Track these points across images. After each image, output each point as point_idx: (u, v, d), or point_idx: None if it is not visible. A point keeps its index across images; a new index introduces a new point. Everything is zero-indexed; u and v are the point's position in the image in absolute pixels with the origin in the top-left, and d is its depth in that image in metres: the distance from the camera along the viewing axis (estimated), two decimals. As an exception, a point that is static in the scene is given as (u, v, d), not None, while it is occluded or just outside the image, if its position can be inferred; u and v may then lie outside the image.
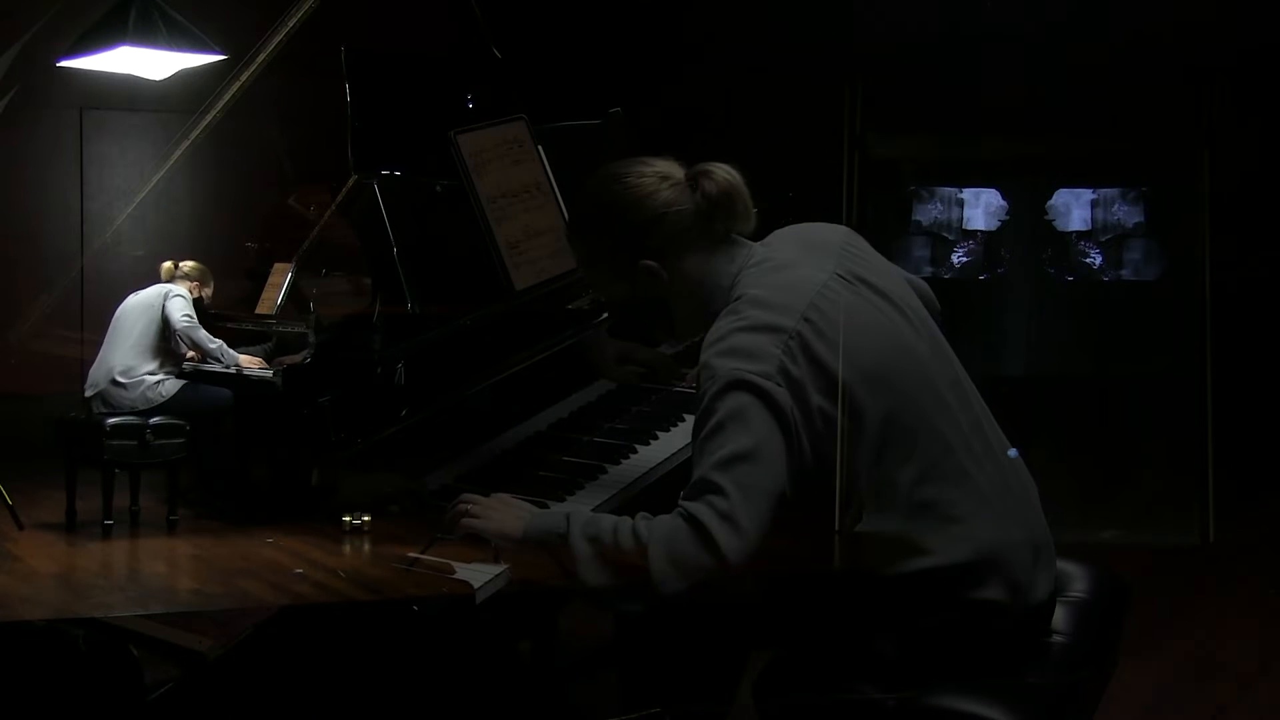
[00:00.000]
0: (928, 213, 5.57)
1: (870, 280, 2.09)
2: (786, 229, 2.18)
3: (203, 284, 2.59)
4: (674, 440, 2.50)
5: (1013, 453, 2.09)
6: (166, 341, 2.48)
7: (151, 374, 2.36)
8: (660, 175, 2.10)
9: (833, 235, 2.15)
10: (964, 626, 2.03)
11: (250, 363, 2.49)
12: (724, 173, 2.09)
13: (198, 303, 2.55)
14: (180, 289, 2.52)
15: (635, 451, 2.44)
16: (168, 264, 2.56)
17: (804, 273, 2.05)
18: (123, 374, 2.36)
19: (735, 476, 1.90)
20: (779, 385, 1.93)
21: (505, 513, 2.04)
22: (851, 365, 1.97)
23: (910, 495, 1.99)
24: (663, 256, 2.08)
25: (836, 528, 2.05)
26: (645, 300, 2.12)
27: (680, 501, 1.93)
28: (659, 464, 2.41)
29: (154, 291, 2.50)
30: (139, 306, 2.47)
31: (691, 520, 1.90)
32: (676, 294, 2.11)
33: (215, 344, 2.50)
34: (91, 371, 2.38)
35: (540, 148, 2.66)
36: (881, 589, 2.04)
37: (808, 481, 1.97)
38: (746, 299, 2.03)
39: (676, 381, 2.71)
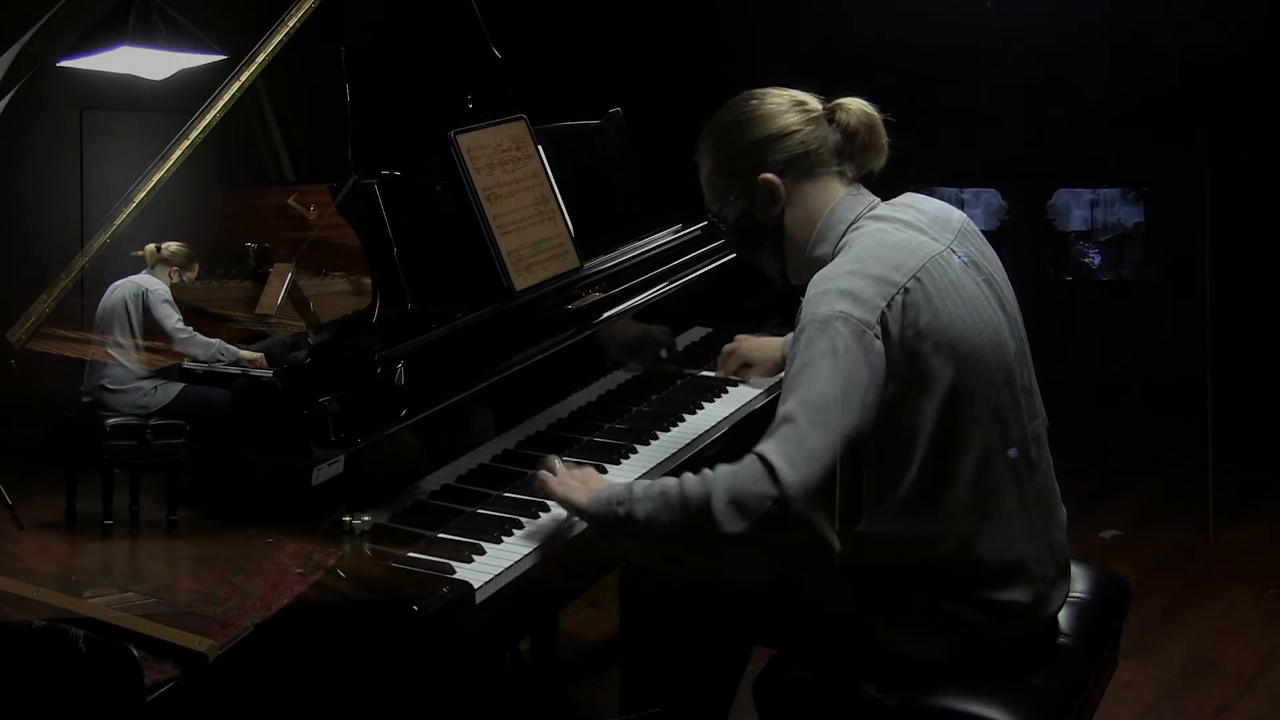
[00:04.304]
0: (928, 213, 5.55)
1: (983, 265, 2.10)
2: (912, 195, 2.18)
3: (184, 268, 2.54)
4: (674, 441, 2.50)
5: (1012, 452, 2.10)
6: (152, 340, 2.44)
7: (145, 380, 2.34)
8: (795, 101, 2.12)
9: (954, 214, 2.16)
10: (983, 625, 2.03)
11: (251, 358, 2.47)
12: (859, 105, 2.12)
13: (178, 287, 2.52)
14: (160, 285, 2.47)
15: (635, 451, 2.44)
16: (150, 247, 2.51)
17: (924, 238, 2.06)
18: (113, 382, 2.34)
19: (812, 413, 1.89)
20: (876, 336, 1.93)
21: (578, 483, 2.09)
22: (946, 339, 1.97)
23: (957, 484, 2.00)
24: (784, 174, 2.10)
25: (836, 527, 2.05)
26: (760, 225, 2.13)
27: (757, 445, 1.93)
28: (659, 464, 2.41)
29: (131, 289, 2.45)
30: (117, 309, 2.44)
31: (759, 456, 1.89)
32: (793, 222, 2.12)
33: (214, 345, 2.48)
34: (85, 376, 2.37)
35: (540, 148, 2.66)
36: (901, 579, 2.04)
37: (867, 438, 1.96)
38: (863, 244, 2.04)
39: (692, 371, 2.72)
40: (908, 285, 1.97)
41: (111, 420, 2.20)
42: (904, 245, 2.03)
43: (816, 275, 2.03)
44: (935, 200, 2.19)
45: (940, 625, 2.03)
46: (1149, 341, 5.60)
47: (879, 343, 1.93)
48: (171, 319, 2.42)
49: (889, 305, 1.95)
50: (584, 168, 2.83)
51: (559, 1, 5.26)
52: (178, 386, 2.34)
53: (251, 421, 2.14)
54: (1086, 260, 5.75)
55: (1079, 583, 2.30)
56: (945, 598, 2.03)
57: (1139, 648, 3.42)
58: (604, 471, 2.35)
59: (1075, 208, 5.72)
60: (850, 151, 2.12)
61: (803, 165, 2.10)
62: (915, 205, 2.14)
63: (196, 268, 2.58)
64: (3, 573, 2.00)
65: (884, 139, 2.13)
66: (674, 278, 2.80)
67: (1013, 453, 2.06)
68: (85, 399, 2.29)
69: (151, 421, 2.19)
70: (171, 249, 2.52)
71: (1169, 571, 4.00)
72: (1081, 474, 4.61)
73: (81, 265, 2.33)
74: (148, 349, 2.39)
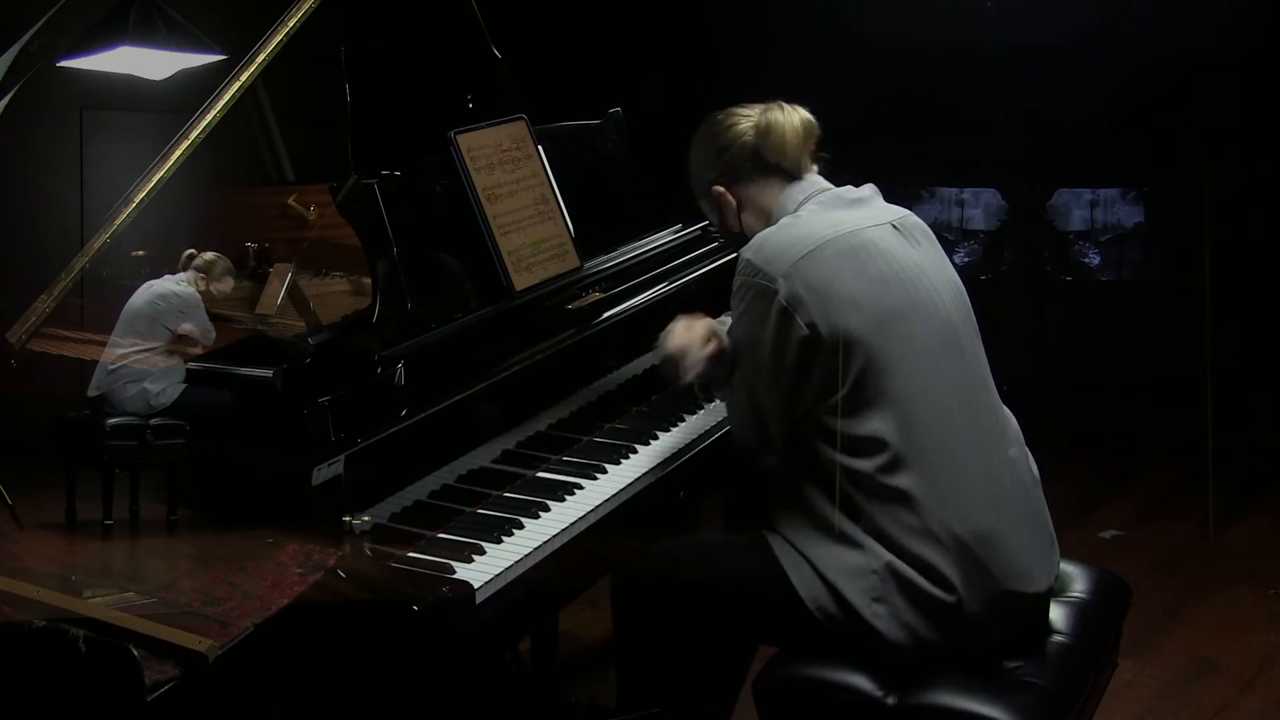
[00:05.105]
0: (927, 213, 5.57)
1: (921, 243, 2.25)
2: (871, 188, 2.34)
3: (213, 278, 2.52)
4: (674, 440, 2.50)
5: (970, 416, 2.12)
6: (168, 345, 2.43)
7: (154, 383, 2.34)
8: (744, 113, 2.34)
9: (902, 210, 2.32)
10: (967, 600, 2.04)
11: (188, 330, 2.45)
12: (775, 111, 2.32)
13: (205, 295, 2.50)
14: (193, 292, 2.46)
15: (635, 451, 2.44)
16: (187, 253, 2.50)
17: (857, 214, 2.23)
18: (128, 381, 2.34)
19: (735, 380, 2.23)
20: (778, 292, 2.11)
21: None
22: (868, 301, 2.10)
23: (915, 444, 2.07)
24: (730, 185, 2.34)
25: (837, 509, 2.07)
26: (727, 225, 2.37)
27: None
28: (659, 464, 2.41)
29: (168, 294, 2.44)
30: (142, 309, 2.43)
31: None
32: (749, 224, 2.33)
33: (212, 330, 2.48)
34: (96, 372, 2.36)
35: (540, 148, 2.66)
36: (878, 556, 2.07)
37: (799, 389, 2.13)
38: (800, 213, 2.24)
39: None
40: (826, 242, 2.13)
41: (111, 420, 2.20)
42: (832, 219, 2.20)
43: (745, 248, 2.22)
44: (878, 198, 2.32)
45: (924, 603, 2.04)
46: (1149, 341, 5.60)
47: (781, 301, 2.10)
48: (206, 323, 2.42)
49: (802, 257, 2.11)
50: (584, 168, 2.83)
51: (560, 1, 5.27)
52: (180, 388, 2.34)
53: (251, 421, 2.13)
54: (1086, 260, 5.75)
55: (1079, 583, 2.30)
56: (924, 573, 2.03)
57: (1139, 648, 3.42)
58: (604, 472, 2.35)
59: (1075, 208, 5.72)
60: (763, 152, 2.29)
61: (740, 172, 2.32)
62: (863, 195, 2.29)
63: (230, 281, 2.55)
64: (3, 573, 2.00)
65: (792, 144, 2.29)
66: (674, 278, 2.80)
67: (972, 418, 2.11)
68: (93, 393, 2.29)
69: (151, 421, 2.19)
70: (206, 257, 2.50)
71: (1169, 571, 4.00)
72: (1081, 474, 4.62)
73: (81, 265, 2.33)
74: (167, 351, 2.38)
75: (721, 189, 2.34)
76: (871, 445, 2.07)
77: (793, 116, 2.31)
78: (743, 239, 2.30)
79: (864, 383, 2.07)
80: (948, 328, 2.15)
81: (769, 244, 2.18)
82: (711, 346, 2.31)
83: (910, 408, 2.07)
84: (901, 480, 2.05)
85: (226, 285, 2.53)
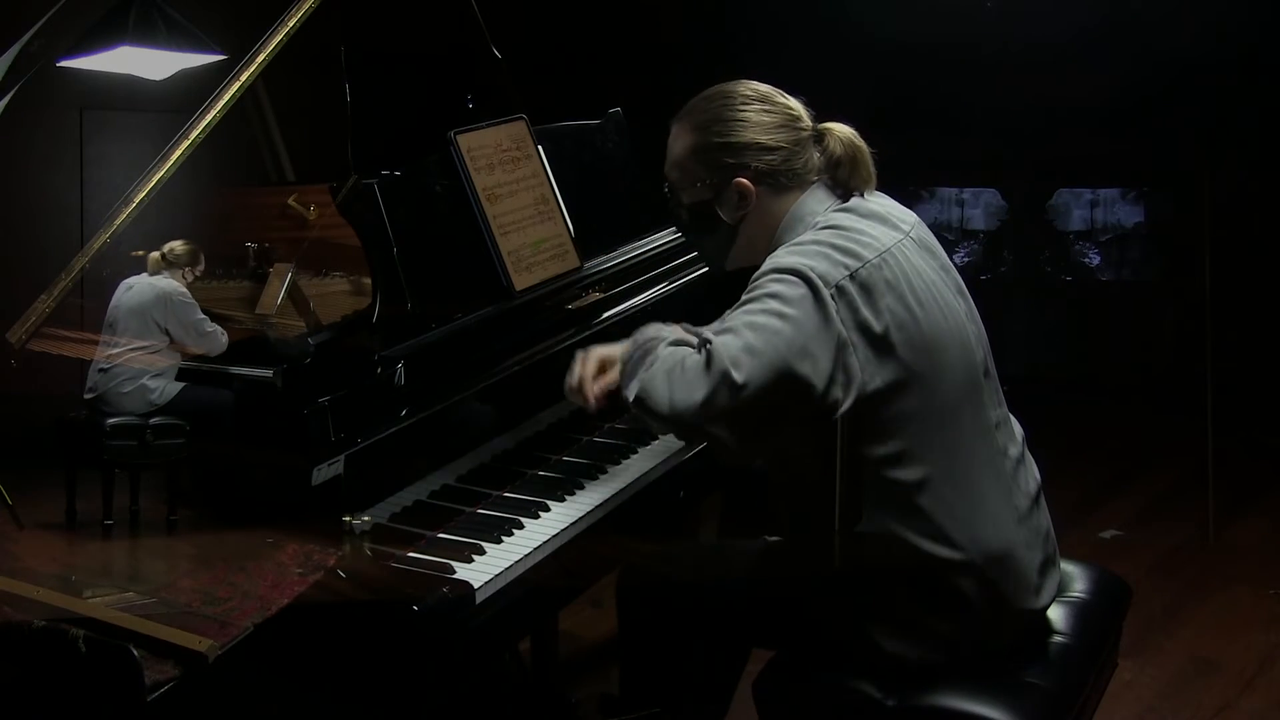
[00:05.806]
0: (927, 213, 5.57)
1: (938, 253, 2.16)
2: (876, 193, 2.21)
3: (193, 265, 2.53)
4: (674, 440, 2.49)
5: (987, 434, 2.11)
6: (165, 344, 2.43)
7: (152, 381, 2.34)
8: (790, 116, 2.13)
9: (910, 213, 2.20)
10: (974, 616, 2.03)
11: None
12: (846, 134, 2.14)
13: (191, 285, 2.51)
14: (178, 285, 2.46)
15: (635, 452, 2.44)
16: (154, 255, 2.50)
17: (885, 227, 2.10)
18: (124, 380, 2.34)
19: (760, 335, 1.93)
20: (832, 298, 1.95)
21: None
22: (910, 320, 2.00)
23: (937, 466, 2.01)
24: (759, 183, 2.10)
25: (836, 527, 2.05)
26: (713, 221, 2.15)
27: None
28: (659, 464, 2.41)
29: (151, 292, 2.44)
30: (132, 309, 2.43)
31: (709, 345, 1.96)
32: (753, 223, 2.14)
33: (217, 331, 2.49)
34: (89, 374, 2.37)
35: (540, 148, 2.66)
36: (889, 572, 2.04)
37: (817, 409, 1.96)
38: (829, 225, 2.07)
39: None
40: (872, 262, 2.00)
41: (111, 420, 2.20)
42: (869, 230, 2.07)
43: (779, 249, 2.06)
44: (891, 200, 2.22)
45: (931, 617, 2.03)
46: (1149, 341, 5.59)
47: (834, 304, 1.95)
48: (196, 316, 2.42)
49: (851, 276, 1.97)
50: (584, 168, 2.82)
51: (560, 1, 5.27)
52: (179, 386, 2.34)
53: (252, 421, 2.13)
54: (1086, 260, 5.75)
55: (1079, 583, 2.30)
56: (934, 588, 2.03)
57: (1139, 648, 3.42)
58: (604, 472, 2.35)
59: (1075, 208, 5.72)
60: (832, 175, 2.14)
61: (780, 180, 2.11)
62: (878, 200, 2.18)
63: (202, 258, 2.57)
64: (3, 573, 2.00)
65: (868, 167, 2.15)
66: (674, 278, 2.80)
67: (988, 435, 2.07)
68: (89, 395, 2.29)
69: (151, 421, 2.19)
70: (176, 251, 2.50)
71: (1169, 571, 4.00)
72: (1081, 474, 4.61)
73: (81, 265, 2.33)
74: (160, 349, 2.38)
75: (748, 184, 2.10)
76: (887, 459, 2.00)
77: (857, 141, 2.14)
78: (717, 244, 2.18)
79: (888, 398, 1.98)
80: (964, 340, 2.08)
81: (821, 248, 2.00)
82: (608, 377, 2.16)
83: (928, 422, 2.00)
84: (915, 495, 2.00)
85: (201, 263, 2.54)
